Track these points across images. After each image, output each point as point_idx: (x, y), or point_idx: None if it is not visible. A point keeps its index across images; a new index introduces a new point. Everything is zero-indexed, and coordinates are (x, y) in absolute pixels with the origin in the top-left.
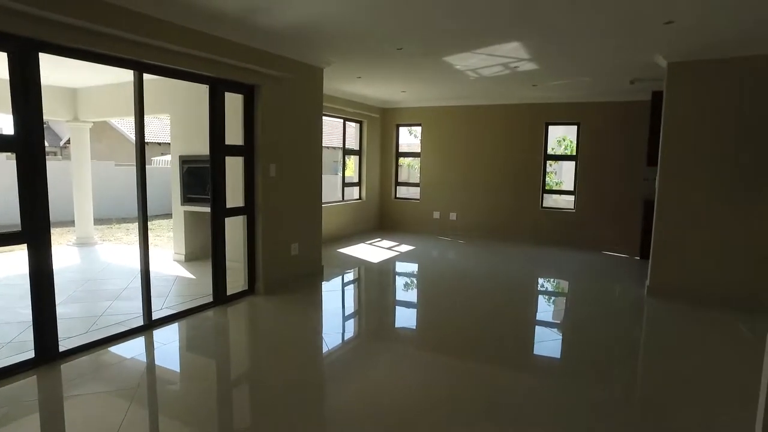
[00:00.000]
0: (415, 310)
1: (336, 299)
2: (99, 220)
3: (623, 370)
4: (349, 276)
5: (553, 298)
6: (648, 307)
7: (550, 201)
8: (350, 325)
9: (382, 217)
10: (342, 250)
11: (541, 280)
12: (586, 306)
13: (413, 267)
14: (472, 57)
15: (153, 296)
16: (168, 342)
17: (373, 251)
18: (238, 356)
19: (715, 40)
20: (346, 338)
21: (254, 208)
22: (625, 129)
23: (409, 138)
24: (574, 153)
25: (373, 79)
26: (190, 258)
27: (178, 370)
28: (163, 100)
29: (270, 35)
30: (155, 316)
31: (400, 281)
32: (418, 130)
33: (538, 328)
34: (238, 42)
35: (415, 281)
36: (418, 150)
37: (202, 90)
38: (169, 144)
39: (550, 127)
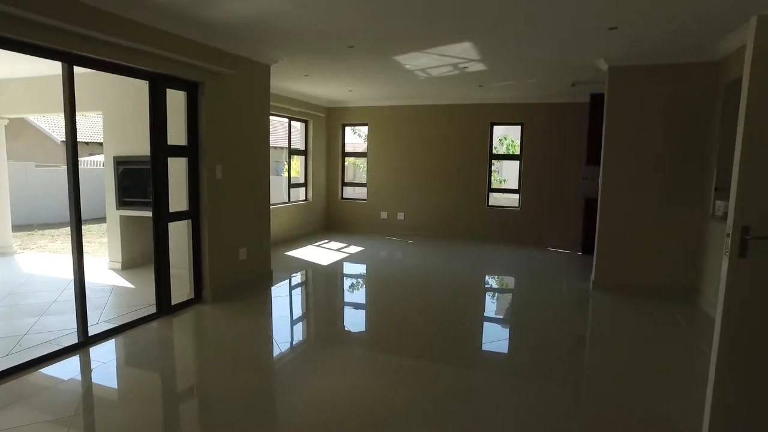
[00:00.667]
0: (366, 311)
1: (287, 304)
2: (18, 227)
3: (573, 362)
4: (300, 279)
5: (502, 294)
6: (594, 300)
7: (498, 199)
8: (302, 330)
9: (330, 218)
10: (290, 253)
11: (489, 278)
12: (535, 301)
13: (363, 268)
14: (422, 57)
15: (88, 309)
16: (107, 360)
17: (321, 253)
18: (186, 370)
19: (651, 47)
20: (298, 344)
21: (199, 211)
22: (566, 129)
23: (354, 137)
24: (517, 152)
25: (321, 78)
26: (128, 266)
27: (120, 390)
28: (93, 96)
29: (214, 29)
30: (92, 331)
31: (350, 283)
32: (362, 129)
33: (489, 325)
34: (180, 35)
35: (366, 282)
36: (364, 150)
37: (139, 85)
38: (100, 144)
39: (495, 127)
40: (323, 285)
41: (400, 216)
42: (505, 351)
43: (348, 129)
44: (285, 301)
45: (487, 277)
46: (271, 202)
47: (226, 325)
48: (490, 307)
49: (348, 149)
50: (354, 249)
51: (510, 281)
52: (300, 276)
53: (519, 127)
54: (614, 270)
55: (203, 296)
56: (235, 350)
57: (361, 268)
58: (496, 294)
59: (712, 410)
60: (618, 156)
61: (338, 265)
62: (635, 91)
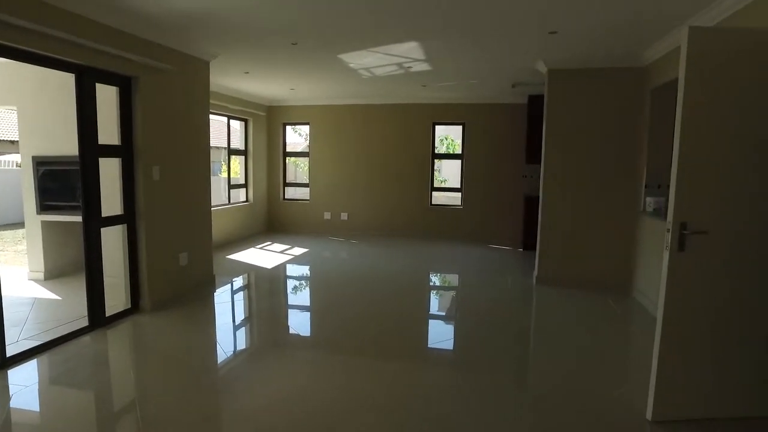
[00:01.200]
0: (312, 313)
1: (231, 310)
2: None
3: (520, 352)
4: (243, 283)
5: (448, 291)
6: (537, 294)
7: (440, 198)
8: (247, 336)
9: (272, 219)
10: (232, 257)
11: (435, 275)
12: (482, 297)
13: (308, 270)
14: (368, 55)
15: (5, 326)
16: (29, 383)
17: (264, 256)
18: (124, 387)
19: (586, 52)
20: (243, 351)
21: (135, 215)
22: (506, 129)
23: (295, 136)
24: (458, 152)
25: (262, 75)
26: (52, 276)
27: (45, 416)
28: (5, 89)
29: (149, 21)
30: (10, 351)
31: (295, 285)
32: (303, 128)
33: (435, 322)
34: (111, 26)
35: (311, 284)
36: (305, 149)
37: (62, 78)
38: (11, 142)
39: (437, 127)
40: (268, 288)
41: (344, 216)
42: (453, 346)
43: (289, 128)
44: (229, 307)
45: (432, 274)
46: (212, 204)
47: (167, 335)
48: (437, 303)
49: (289, 149)
50: (298, 251)
51: (456, 278)
52: (243, 280)
53: (460, 126)
54: (556, 265)
55: (141, 306)
56: (177, 361)
57: (305, 270)
58: (442, 291)
59: (656, 387)
60: (557, 155)
61: (282, 267)
62: (572, 93)
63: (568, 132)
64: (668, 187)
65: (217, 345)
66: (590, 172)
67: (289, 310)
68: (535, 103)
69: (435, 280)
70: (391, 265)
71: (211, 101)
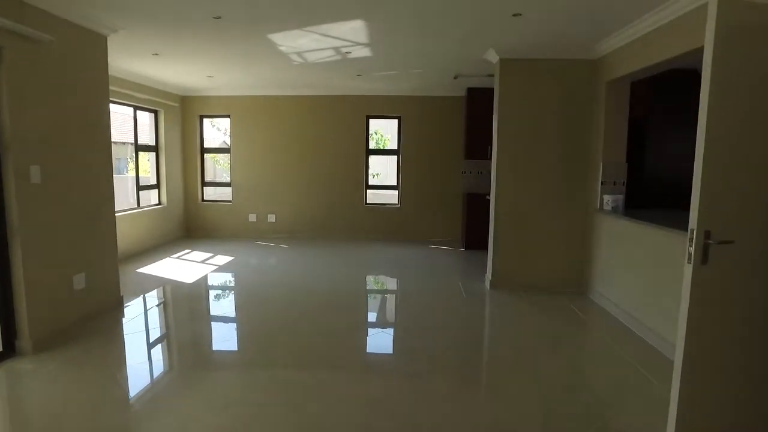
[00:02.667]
0: (240, 330)
1: (143, 340)
2: None
3: (479, 361)
4: (158, 303)
5: (392, 297)
6: (491, 299)
7: (377, 196)
8: (164, 377)
9: (190, 224)
10: (144, 270)
11: (375, 280)
12: (432, 306)
13: (233, 280)
14: (303, 36)
15: None
16: None
17: (183, 267)
18: None
19: (540, 41)
20: (158, 397)
21: (7, 231)
22: (444, 123)
23: (213, 131)
24: (395, 147)
25: (176, 58)
26: None
27: None
28: None
29: None
30: None
31: (220, 300)
32: (222, 122)
33: (378, 331)
34: None
35: (238, 300)
36: (226, 145)
37: None
38: None
39: (371, 120)
40: (188, 307)
41: (272, 218)
42: (402, 356)
43: (207, 122)
44: (141, 339)
45: (372, 279)
46: (116, 209)
47: (55, 386)
48: (380, 311)
49: (207, 144)
50: (221, 259)
51: (399, 282)
52: (158, 299)
53: (396, 120)
54: (509, 267)
55: (18, 347)
56: (70, 416)
57: (231, 281)
58: (386, 297)
59: (678, 408)
60: (509, 150)
61: (204, 281)
62: (525, 84)
63: (521, 125)
64: (625, 184)
65: (126, 385)
66: (544, 168)
67: (213, 331)
68: (476, 96)
69: (376, 285)
70: (325, 271)
71: (114, 88)
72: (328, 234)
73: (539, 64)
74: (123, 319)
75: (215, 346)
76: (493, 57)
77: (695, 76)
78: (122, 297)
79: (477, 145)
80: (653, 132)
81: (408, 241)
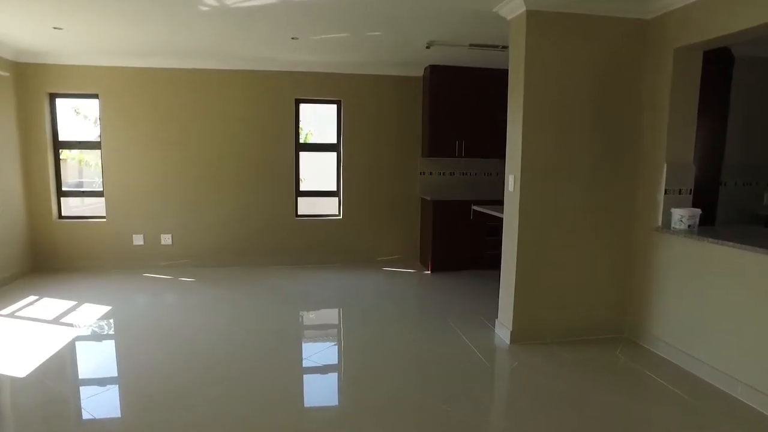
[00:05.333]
0: None
1: None
2: None
3: None
4: None
5: (366, 366)
6: (525, 366)
7: (311, 206)
8: None
9: (37, 254)
10: None
11: (325, 335)
12: (429, 386)
13: (112, 363)
14: None
15: None
16: None
17: (16, 337)
18: None
19: None
20: None
21: None
22: (399, 111)
23: (77, 118)
24: (334, 141)
25: None
26: None
27: None
28: None
29: None
30: None
31: (90, 409)
32: (88, 105)
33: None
34: None
35: (125, 397)
36: (96, 137)
37: None
38: None
39: (303, 107)
40: None
41: (166, 239)
42: None
43: (64, 104)
44: None
45: (319, 333)
46: None
47: None
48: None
49: (65, 137)
50: (90, 312)
51: (362, 333)
52: None
53: (335, 106)
54: (537, 311)
55: None
56: None
57: (107, 365)
58: (356, 368)
59: None
60: (534, 148)
61: (55, 366)
62: (558, 50)
63: (551, 111)
64: (692, 193)
65: None
66: (581, 170)
67: None
68: (441, 75)
69: (328, 346)
70: (247, 320)
71: None
72: (249, 258)
73: (576, 20)
74: None
75: None
76: (512, 9)
77: (726, 56)
78: None
79: (442, 139)
80: None
81: (354, 263)
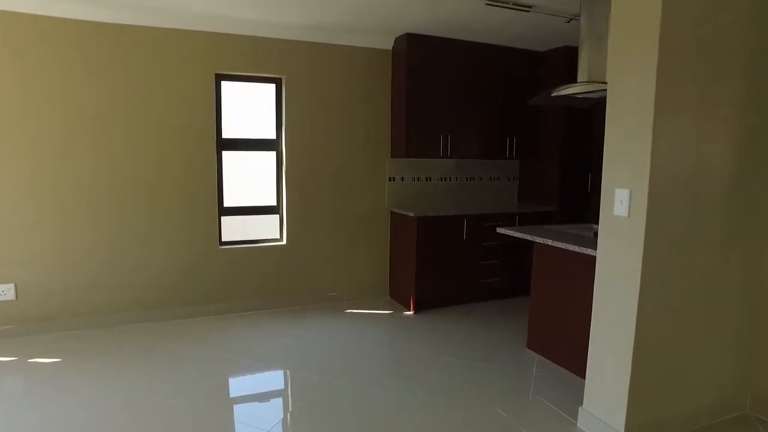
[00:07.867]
0: None
1: None
2: None
3: None
4: None
5: None
6: None
7: (243, 229)
8: None
9: None
10: None
11: None
12: None
13: None
14: None
15: None
16: None
17: None
18: None
19: None
20: None
21: None
22: (365, 95)
23: None
24: (272, 137)
25: None
26: None
27: None
28: None
29: None
30: None
31: None
32: None
33: None
34: None
35: None
36: None
37: None
38: None
39: (226, 85)
40: None
41: (6, 293)
42: None
43: None
44: None
45: None
46: None
47: None
48: None
49: None
50: None
51: None
52: None
53: (273, 86)
54: (658, 397)
55: None
56: None
57: None
58: None
59: None
60: (670, 136)
61: None
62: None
63: (697, 78)
64: None
65: None
66: (723, 181)
67: None
68: (420, 48)
69: None
70: (166, 418)
71: None
72: (149, 310)
73: None
74: None
75: None
76: None
77: None
78: None
79: (422, 134)
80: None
81: (305, 306)
